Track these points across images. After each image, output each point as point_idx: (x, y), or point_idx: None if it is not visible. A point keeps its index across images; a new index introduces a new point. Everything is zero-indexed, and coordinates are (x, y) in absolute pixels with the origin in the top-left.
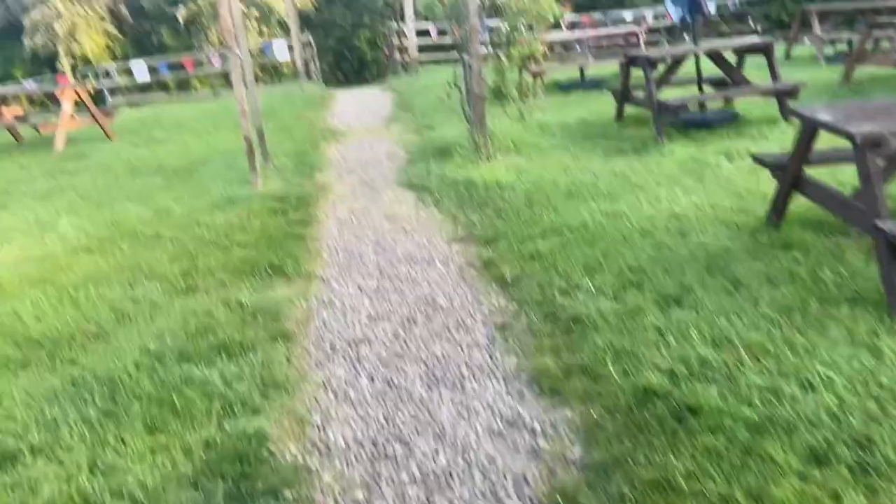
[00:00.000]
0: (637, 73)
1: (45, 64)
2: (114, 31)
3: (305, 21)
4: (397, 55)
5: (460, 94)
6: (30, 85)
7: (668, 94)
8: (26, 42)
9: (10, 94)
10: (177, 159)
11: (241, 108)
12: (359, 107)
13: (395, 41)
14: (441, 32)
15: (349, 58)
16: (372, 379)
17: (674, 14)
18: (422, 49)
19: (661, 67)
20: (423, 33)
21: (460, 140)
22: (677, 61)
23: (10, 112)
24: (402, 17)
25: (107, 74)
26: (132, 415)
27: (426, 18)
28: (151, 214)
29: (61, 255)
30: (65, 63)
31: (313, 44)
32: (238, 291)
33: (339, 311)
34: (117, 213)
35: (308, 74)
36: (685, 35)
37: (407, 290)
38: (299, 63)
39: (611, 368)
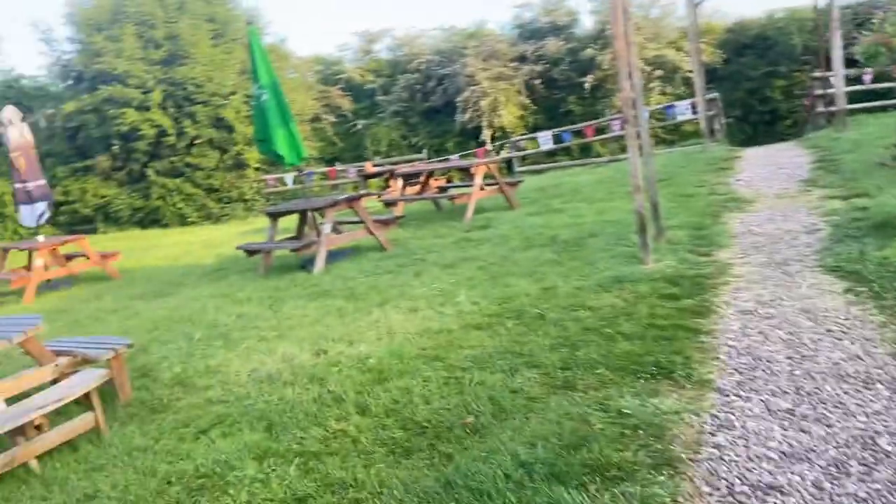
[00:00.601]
0: None
1: (470, 136)
2: (528, 102)
3: (711, 74)
4: (819, 106)
5: None
6: (453, 160)
7: None
8: (457, 118)
9: (437, 169)
10: (568, 230)
11: (633, 181)
12: (769, 168)
13: (818, 90)
14: (878, 78)
15: (759, 111)
16: None
17: None
18: (851, 98)
19: None
20: (852, 79)
21: None
22: None
23: (435, 183)
24: (828, 63)
25: (517, 146)
26: None
27: (863, 66)
28: (538, 291)
29: (455, 331)
30: (486, 134)
31: (719, 100)
32: (618, 395)
33: (739, 439)
34: (508, 288)
35: (712, 132)
36: None
37: (834, 419)
38: (702, 121)
39: None
